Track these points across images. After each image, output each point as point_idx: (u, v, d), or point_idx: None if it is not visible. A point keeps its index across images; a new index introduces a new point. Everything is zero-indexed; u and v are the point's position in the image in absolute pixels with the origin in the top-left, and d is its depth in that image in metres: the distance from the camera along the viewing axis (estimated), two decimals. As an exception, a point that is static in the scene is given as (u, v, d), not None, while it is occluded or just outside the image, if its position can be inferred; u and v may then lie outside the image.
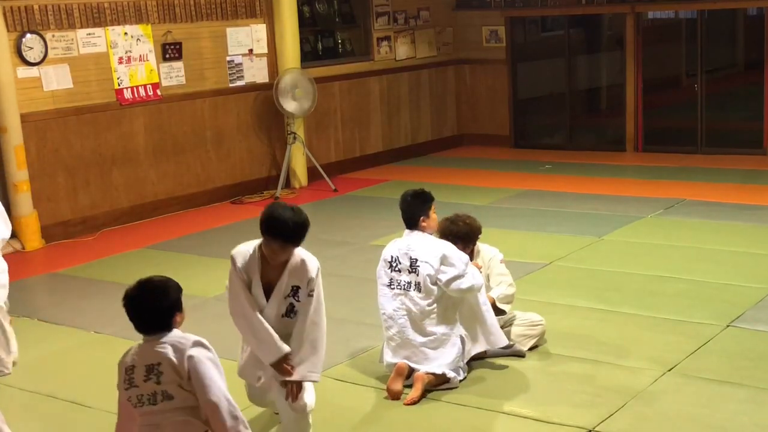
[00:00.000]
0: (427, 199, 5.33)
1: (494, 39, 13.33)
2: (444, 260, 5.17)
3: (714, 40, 12.82)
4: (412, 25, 12.95)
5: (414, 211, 5.31)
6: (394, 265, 5.25)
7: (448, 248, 5.25)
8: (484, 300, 5.37)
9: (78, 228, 9.45)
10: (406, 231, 5.34)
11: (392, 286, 5.25)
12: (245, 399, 4.74)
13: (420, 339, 5.20)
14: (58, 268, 8.31)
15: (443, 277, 5.16)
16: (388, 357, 5.29)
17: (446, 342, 5.22)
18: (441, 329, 5.22)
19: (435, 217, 5.37)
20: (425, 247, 5.23)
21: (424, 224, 5.30)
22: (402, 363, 5.19)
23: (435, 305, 5.21)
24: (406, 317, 5.20)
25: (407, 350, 5.21)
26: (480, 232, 5.64)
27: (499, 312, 5.55)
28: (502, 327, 5.70)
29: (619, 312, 6.39)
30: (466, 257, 5.30)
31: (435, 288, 5.18)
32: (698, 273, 7.15)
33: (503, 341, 5.45)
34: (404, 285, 5.21)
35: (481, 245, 5.72)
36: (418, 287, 5.19)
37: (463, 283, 5.18)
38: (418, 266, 5.18)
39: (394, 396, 5.12)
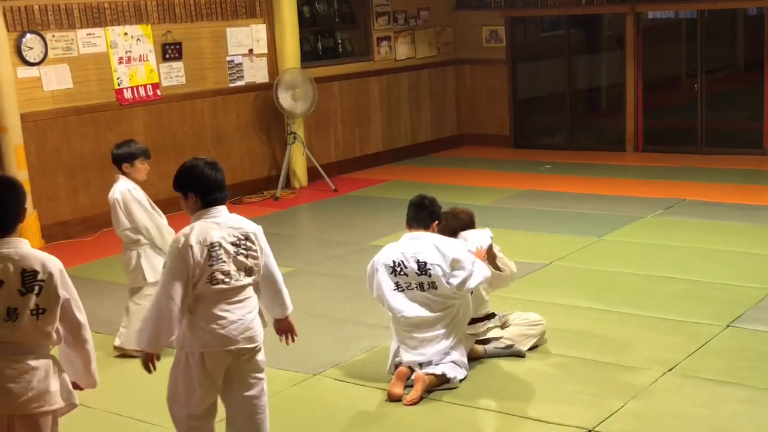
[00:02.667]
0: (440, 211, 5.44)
1: (494, 39, 13.32)
2: (455, 264, 5.17)
3: (714, 40, 12.82)
4: (412, 25, 12.95)
5: (434, 211, 5.35)
6: (398, 269, 5.23)
7: (457, 250, 5.26)
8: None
9: (78, 228, 9.45)
10: (411, 234, 5.32)
11: (401, 289, 5.24)
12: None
13: (432, 333, 5.22)
14: (58, 268, 8.30)
15: (454, 281, 5.17)
16: (408, 356, 5.22)
17: (452, 332, 5.27)
18: (448, 318, 5.27)
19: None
20: (434, 250, 5.22)
21: (435, 228, 5.38)
22: (402, 369, 5.20)
23: (451, 295, 5.24)
24: (427, 311, 5.21)
25: (425, 347, 5.22)
26: (474, 218, 5.70)
27: (496, 268, 5.49)
28: (500, 326, 5.72)
29: (619, 312, 6.39)
30: (472, 256, 5.31)
31: (449, 286, 5.21)
32: (698, 273, 7.15)
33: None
34: (416, 286, 5.22)
35: (465, 233, 5.67)
36: (432, 286, 5.20)
37: (472, 282, 5.22)
38: (429, 269, 5.18)
39: (395, 399, 5.11)
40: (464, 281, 5.18)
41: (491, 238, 5.67)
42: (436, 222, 5.39)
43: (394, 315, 5.27)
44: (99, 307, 7.06)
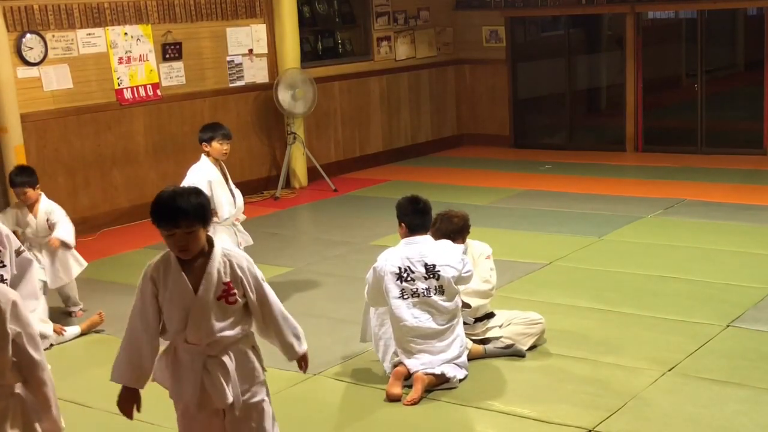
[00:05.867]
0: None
1: (494, 39, 13.32)
2: (462, 260, 5.26)
3: (714, 40, 12.83)
4: (412, 25, 12.95)
5: (431, 215, 5.36)
6: (405, 275, 5.21)
7: (460, 249, 5.33)
8: None
9: (78, 228, 9.35)
10: (412, 239, 5.29)
11: (405, 296, 5.23)
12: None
13: (437, 338, 5.23)
14: (58, 268, 8.30)
15: (467, 268, 5.24)
16: (414, 365, 5.20)
17: (452, 331, 5.27)
18: (452, 322, 5.28)
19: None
20: (442, 252, 5.23)
21: (432, 230, 5.40)
22: (400, 368, 5.19)
23: (455, 306, 5.28)
24: (431, 320, 5.21)
25: (427, 352, 5.21)
26: (469, 222, 5.70)
27: (464, 305, 5.51)
28: (500, 326, 5.72)
29: (619, 312, 6.39)
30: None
31: (457, 289, 5.25)
32: (698, 273, 7.15)
33: None
34: (422, 291, 5.20)
35: (470, 241, 5.72)
36: (440, 290, 5.19)
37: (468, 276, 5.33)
38: (438, 271, 5.17)
39: (394, 399, 5.11)
40: (470, 272, 5.26)
41: (490, 256, 5.72)
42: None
43: (397, 323, 5.25)
44: (99, 307, 7.05)
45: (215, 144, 6.56)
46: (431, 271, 5.18)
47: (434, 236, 5.43)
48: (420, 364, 5.18)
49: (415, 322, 5.20)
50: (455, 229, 5.55)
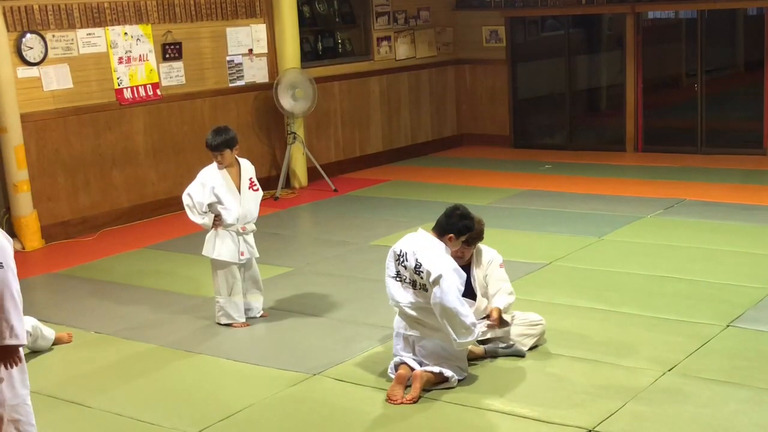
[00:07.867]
0: (467, 229, 5.33)
1: (494, 39, 13.33)
2: (437, 281, 5.06)
3: (714, 40, 12.83)
4: (412, 25, 12.95)
5: (451, 224, 5.27)
6: (401, 259, 5.26)
7: (448, 271, 5.12)
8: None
9: (78, 228, 9.45)
10: (424, 233, 5.32)
11: (398, 279, 5.27)
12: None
13: (426, 334, 5.24)
14: (58, 268, 8.31)
15: (438, 294, 5.07)
16: (400, 350, 5.29)
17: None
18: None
19: (454, 247, 5.33)
20: (429, 256, 5.17)
21: (449, 239, 5.27)
22: (402, 372, 5.19)
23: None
24: (415, 310, 5.21)
25: (417, 344, 5.25)
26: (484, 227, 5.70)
27: (503, 324, 5.54)
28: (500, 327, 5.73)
29: (619, 312, 6.39)
30: (460, 291, 5.17)
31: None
32: (698, 273, 7.15)
33: None
34: (410, 282, 5.23)
35: (481, 246, 5.73)
36: (423, 288, 5.18)
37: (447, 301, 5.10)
38: (422, 271, 5.18)
39: (395, 402, 5.11)
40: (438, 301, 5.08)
41: (502, 264, 5.71)
42: (451, 236, 5.26)
43: (392, 301, 5.31)
44: (98, 307, 7.06)
45: (221, 156, 6.47)
46: (417, 269, 5.18)
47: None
48: (410, 356, 5.23)
49: (403, 298, 5.23)
50: (475, 235, 5.54)
